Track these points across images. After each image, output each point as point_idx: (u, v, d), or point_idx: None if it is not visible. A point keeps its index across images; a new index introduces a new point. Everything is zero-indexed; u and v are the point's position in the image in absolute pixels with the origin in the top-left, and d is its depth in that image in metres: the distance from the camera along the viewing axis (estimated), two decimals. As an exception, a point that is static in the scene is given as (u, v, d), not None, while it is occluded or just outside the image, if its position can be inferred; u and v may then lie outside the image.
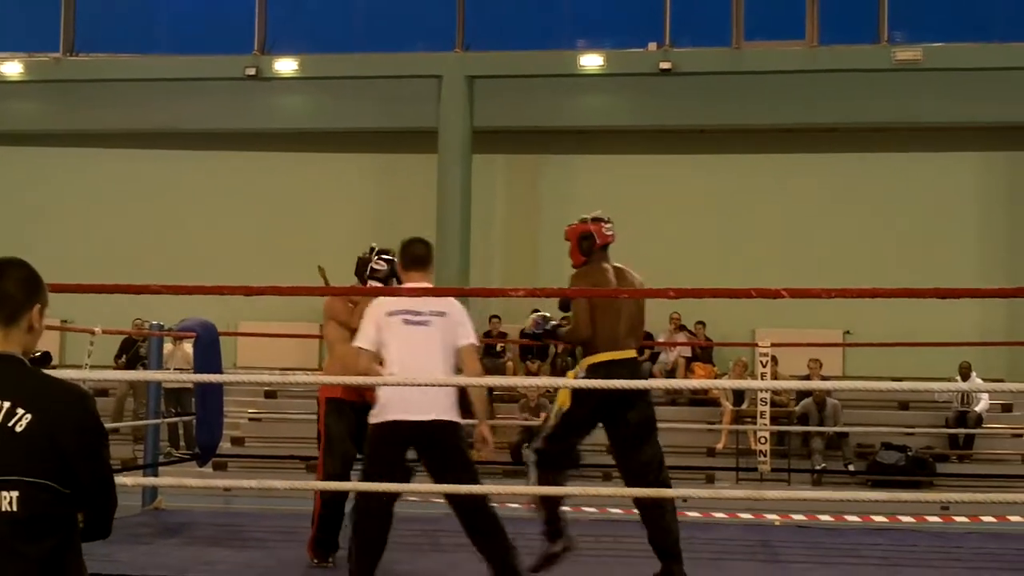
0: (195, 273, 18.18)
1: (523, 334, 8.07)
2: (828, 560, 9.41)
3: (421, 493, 7.76)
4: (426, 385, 6.57)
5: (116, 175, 21.99)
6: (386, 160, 21.78)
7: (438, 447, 6.70)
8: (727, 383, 16.84)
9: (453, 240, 19.67)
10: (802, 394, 17.55)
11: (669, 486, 7.75)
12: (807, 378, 17.42)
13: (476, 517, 6.76)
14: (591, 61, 19.96)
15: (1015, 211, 20.57)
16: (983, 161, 20.73)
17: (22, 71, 21.28)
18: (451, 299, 7.01)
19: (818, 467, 16.86)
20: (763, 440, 15.02)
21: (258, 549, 9.11)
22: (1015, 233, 20.46)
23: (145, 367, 13.82)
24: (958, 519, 11.60)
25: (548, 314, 8.12)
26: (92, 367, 10.82)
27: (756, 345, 15.32)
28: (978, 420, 17.68)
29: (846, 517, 11.52)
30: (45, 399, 3.07)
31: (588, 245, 8.01)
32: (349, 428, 8.10)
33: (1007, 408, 18.58)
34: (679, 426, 17.69)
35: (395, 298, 6.93)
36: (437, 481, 6.83)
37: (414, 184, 21.12)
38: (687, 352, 19.75)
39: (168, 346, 15.42)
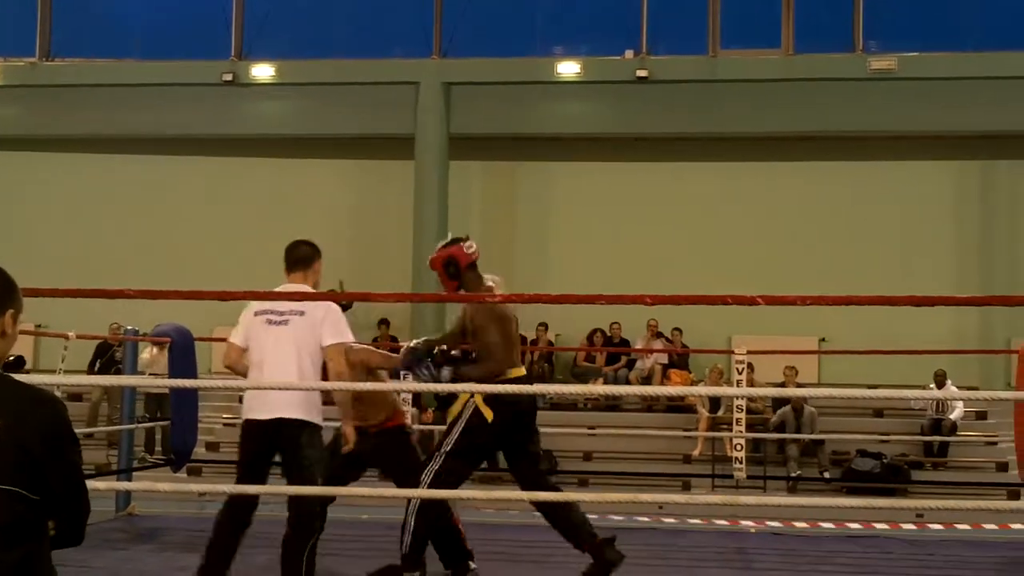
0: (172, 278, 18.16)
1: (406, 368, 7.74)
2: (803, 567, 9.43)
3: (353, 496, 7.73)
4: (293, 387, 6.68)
5: (92, 180, 21.91)
6: (363, 166, 21.76)
7: (280, 443, 6.76)
8: (703, 390, 16.83)
9: (430, 246, 19.38)
10: (779, 401, 17.58)
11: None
12: (783, 385, 17.47)
13: (296, 519, 6.77)
14: (568, 68, 20.01)
15: (989, 219, 20.68)
16: (957, 169, 20.81)
17: (-2, 75, 21.24)
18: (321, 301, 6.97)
19: (793, 474, 16.91)
20: (739, 447, 15.04)
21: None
22: (988, 241, 20.57)
23: (120, 372, 13.79)
24: (932, 526, 11.66)
25: (420, 342, 7.71)
26: (66, 372, 10.78)
27: (732, 352, 15.32)
28: (953, 428, 17.75)
29: (821, 524, 11.56)
30: (15, 405, 3.04)
31: (455, 270, 7.75)
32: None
33: (981, 416, 18.66)
34: (655, 432, 17.74)
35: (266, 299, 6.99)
36: (286, 478, 6.87)
37: (391, 190, 21.11)
38: (664, 359, 19.79)
39: (153, 351, 15.37)
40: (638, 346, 19.74)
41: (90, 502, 3.20)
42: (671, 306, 7.96)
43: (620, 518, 11.97)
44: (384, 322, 20.23)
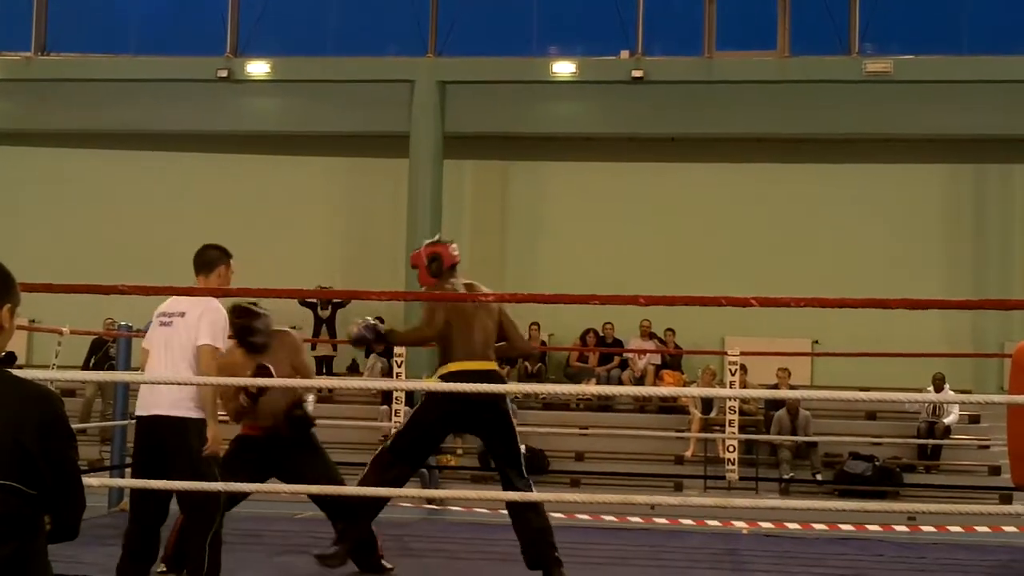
0: (165, 274, 18.09)
1: (352, 342, 8.26)
2: (795, 569, 9.44)
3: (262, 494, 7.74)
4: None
5: (86, 176, 21.86)
6: (357, 164, 21.74)
7: (163, 440, 6.91)
8: (695, 391, 16.84)
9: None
10: (772, 404, 17.57)
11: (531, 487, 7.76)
12: (776, 387, 17.46)
13: (191, 516, 6.96)
14: (563, 68, 20.00)
15: (981, 223, 20.70)
16: (950, 173, 20.83)
17: (-8, 70, 21.21)
18: (201, 299, 7.08)
19: (786, 476, 16.91)
20: (731, 448, 15.05)
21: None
22: (981, 244, 20.59)
23: (113, 368, 13.76)
24: (925, 528, 11.66)
25: (378, 319, 8.21)
26: (60, 367, 10.76)
27: (725, 353, 15.34)
28: (945, 431, 17.75)
29: (813, 526, 11.57)
30: (12, 400, 3.04)
31: (437, 267, 8.14)
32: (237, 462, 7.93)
33: (974, 419, 18.65)
34: (648, 433, 17.74)
35: (167, 301, 7.17)
36: (172, 476, 6.94)
37: (385, 188, 21.11)
38: (656, 359, 19.79)
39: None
40: (631, 346, 19.73)
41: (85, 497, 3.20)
42: (664, 307, 7.95)
43: (612, 518, 11.98)
44: (377, 319, 20.25)
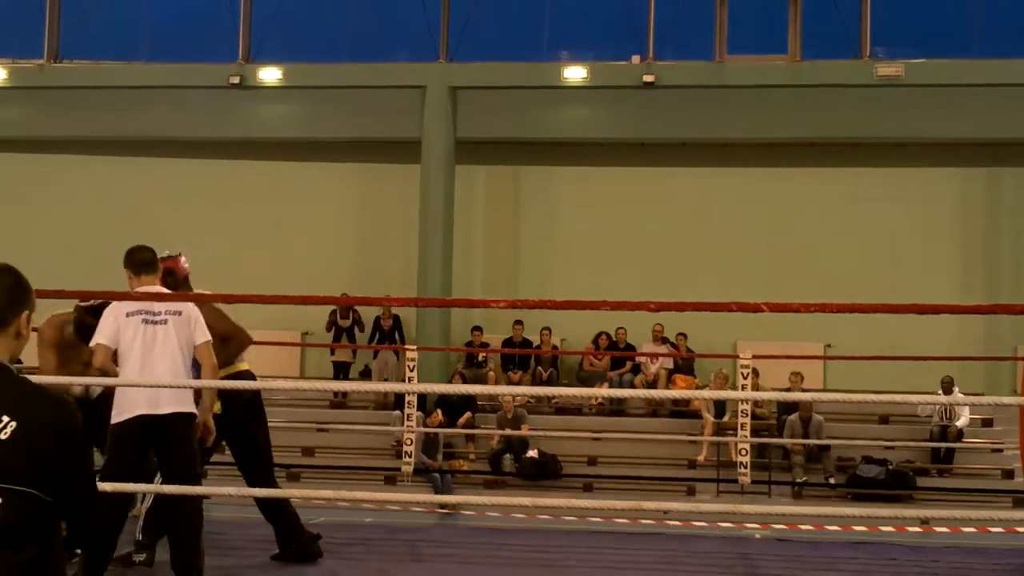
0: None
1: None
2: (807, 573, 9.44)
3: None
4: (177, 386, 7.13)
5: (99, 182, 21.91)
6: (369, 170, 21.77)
7: (172, 437, 7.15)
8: (708, 394, 16.84)
9: (435, 251, 19.69)
10: (784, 407, 17.56)
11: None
12: (788, 391, 17.45)
13: (182, 508, 7.24)
14: (574, 73, 20.02)
15: (994, 227, 20.67)
16: (962, 177, 20.80)
17: (5, 77, 21.24)
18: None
19: (798, 480, 16.90)
20: (744, 452, 15.05)
21: (234, 556, 9.07)
22: (993, 248, 20.55)
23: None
24: (938, 529, 11.65)
25: None
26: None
27: (737, 357, 15.33)
28: (958, 434, 17.73)
29: (826, 529, 11.57)
30: (29, 407, 3.06)
31: (172, 281, 8.24)
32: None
33: (987, 423, 18.64)
34: (660, 437, 17.75)
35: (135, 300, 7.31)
36: (163, 469, 7.30)
37: (397, 194, 21.13)
38: (669, 364, 19.78)
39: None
40: (644, 351, 19.73)
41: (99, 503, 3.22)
42: (676, 311, 7.95)
43: (625, 522, 11.99)
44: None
